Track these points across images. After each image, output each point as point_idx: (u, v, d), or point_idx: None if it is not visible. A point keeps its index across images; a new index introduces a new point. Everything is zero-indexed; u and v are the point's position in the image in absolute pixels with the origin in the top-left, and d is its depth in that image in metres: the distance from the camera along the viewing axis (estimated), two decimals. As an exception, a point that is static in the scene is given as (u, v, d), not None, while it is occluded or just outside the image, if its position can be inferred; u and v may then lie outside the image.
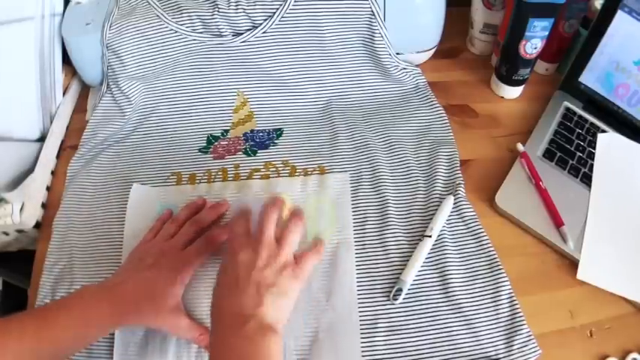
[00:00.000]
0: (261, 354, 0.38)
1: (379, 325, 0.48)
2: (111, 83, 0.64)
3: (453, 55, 0.73)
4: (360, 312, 0.49)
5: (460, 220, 0.54)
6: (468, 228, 0.54)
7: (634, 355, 0.48)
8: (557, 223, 0.54)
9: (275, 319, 0.40)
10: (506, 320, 0.48)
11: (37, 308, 0.46)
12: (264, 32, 0.61)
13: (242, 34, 0.61)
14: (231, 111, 0.64)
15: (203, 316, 0.49)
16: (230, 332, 0.39)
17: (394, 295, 0.49)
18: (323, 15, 0.60)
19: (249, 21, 0.61)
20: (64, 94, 0.66)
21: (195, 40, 0.62)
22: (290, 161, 0.60)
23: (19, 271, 0.65)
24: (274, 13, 0.60)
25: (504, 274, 0.50)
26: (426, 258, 0.51)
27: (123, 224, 0.55)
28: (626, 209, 0.56)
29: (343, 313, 0.49)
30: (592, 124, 0.63)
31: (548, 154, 0.60)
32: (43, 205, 0.58)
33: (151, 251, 0.47)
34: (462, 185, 0.56)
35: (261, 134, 0.62)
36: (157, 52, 0.62)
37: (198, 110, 0.64)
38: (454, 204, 0.54)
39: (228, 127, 0.63)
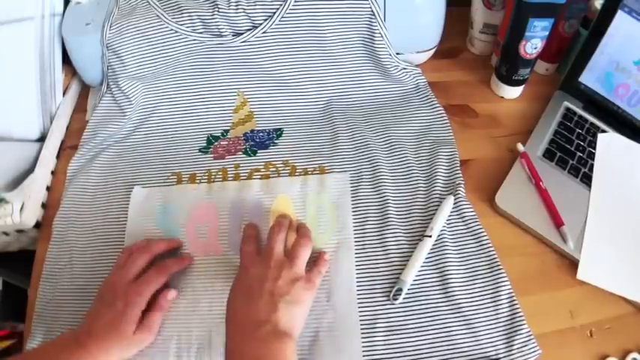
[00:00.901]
0: (276, 356, 0.39)
1: (379, 325, 0.48)
2: (111, 83, 0.64)
3: (453, 55, 0.73)
4: (360, 312, 0.49)
5: (460, 220, 0.54)
6: (468, 228, 0.54)
7: (634, 355, 0.48)
8: (557, 223, 0.54)
9: (289, 326, 0.42)
10: (506, 320, 0.48)
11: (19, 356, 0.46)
12: (264, 32, 0.61)
13: (242, 34, 0.61)
14: (231, 111, 0.64)
15: (204, 314, 0.49)
16: (246, 336, 0.40)
17: (394, 295, 0.49)
18: (323, 15, 0.60)
19: (249, 21, 0.61)
20: (64, 94, 0.66)
21: (195, 40, 0.62)
22: (290, 161, 0.60)
23: (19, 271, 0.65)
24: (274, 13, 0.60)
25: (504, 274, 0.50)
26: (426, 258, 0.51)
27: (122, 224, 0.55)
28: (626, 209, 0.56)
29: (343, 313, 0.49)
30: (592, 124, 0.63)
31: (548, 154, 0.60)
32: (43, 205, 0.58)
33: (107, 288, 0.48)
34: (462, 185, 0.56)
35: (261, 134, 0.62)
36: (157, 52, 0.62)
37: (198, 110, 0.64)
38: (454, 204, 0.54)
39: (228, 127, 0.63)
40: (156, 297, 0.48)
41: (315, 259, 0.50)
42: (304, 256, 0.48)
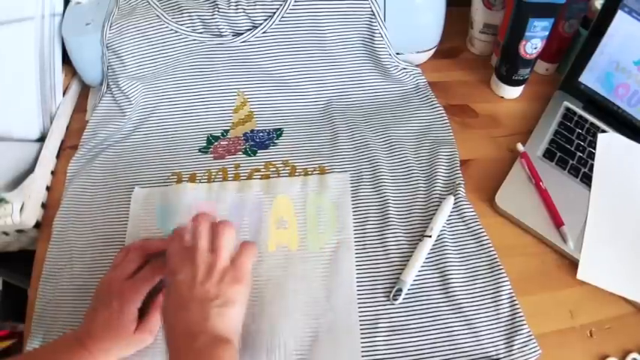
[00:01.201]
0: None
1: (379, 325, 0.48)
2: (111, 83, 0.64)
3: (453, 55, 0.73)
4: (360, 312, 0.49)
5: (460, 220, 0.54)
6: (468, 228, 0.54)
7: (634, 355, 0.48)
8: (557, 223, 0.54)
9: (227, 330, 0.40)
10: (507, 320, 0.48)
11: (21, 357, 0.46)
12: (264, 32, 0.61)
13: (242, 34, 0.61)
14: (231, 111, 0.64)
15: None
16: (183, 350, 0.38)
17: (394, 295, 0.49)
18: (323, 15, 0.60)
19: (249, 21, 0.61)
20: (64, 94, 0.66)
21: (195, 40, 0.62)
22: (290, 161, 0.60)
23: (19, 271, 0.65)
24: (274, 13, 0.60)
25: (504, 274, 0.50)
26: (426, 258, 0.51)
27: (123, 224, 0.55)
28: (626, 209, 0.56)
29: (343, 313, 0.49)
30: (592, 124, 0.63)
31: (548, 154, 0.60)
32: (43, 205, 0.58)
33: (104, 287, 0.47)
34: (462, 185, 0.56)
35: (261, 134, 0.62)
36: (157, 52, 0.62)
37: (198, 110, 0.64)
38: (454, 204, 0.54)
39: (228, 127, 0.63)
40: (154, 297, 0.48)
41: (237, 247, 0.45)
42: (228, 244, 0.44)
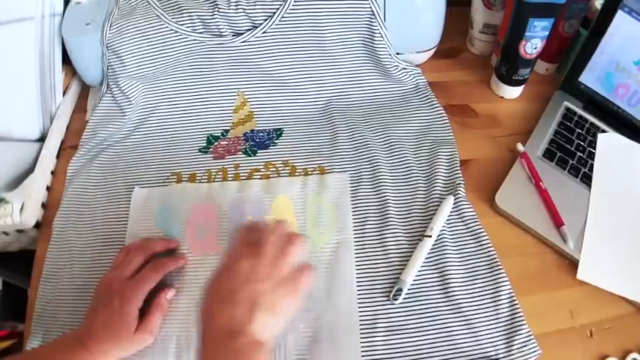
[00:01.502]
0: None
1: (379, 325, 0.48)
2: (111, 83, 0.64)
3: (453, 55, 0.73)
4: (359, 312, 0.49)
5: (460, 220, 0.54)
6: (468, 228, 0.54)
7: (634, 355, 0.48)
8: (557, 223, 0.54)
9: (265, 336, 0.39)
10: (506, 320, 0.48)
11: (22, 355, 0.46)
12: (264, 32, 0.61)
13: (242, 34, 0.61)
14: (231, 111, 0.64)
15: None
16: (220, 345, 0.38)
17: (394, 295, 0.49)
18: (323, 15, 0.60)
19: (249, 21, 0.61)
20: (64, 94, 0.66)
21: (195, 40, 0.62)
22: (290, 161, 0.60)
23: (19, 271, 0.65)
24: (274, 13, 0.60)
25: (504, 274, 0.50)
26: (426, 258, 0.51)
27: (123, 224, 0.55)
28: (626, 209, 0.56)
29: (343, 313, 0.49)
30: (592, 124, 0.63)
31: (548, 154, 0.60)
32: (43, 205, 0.58)
33: (104, 287, 0.47)
34: (462, 185, 0.56)
35: (261, 134, 0.62)
36: (157, 52, 0.62)
37: (198, 110, 0.64)
38: (454, 204, 0.54)
39: (228, 127, 0.63)
40: (154, 297, 0.48)
41: (300, 267, 0.44)
42: (295, 255, 0.43)
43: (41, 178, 0.58)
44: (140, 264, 0.49)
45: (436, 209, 0.54)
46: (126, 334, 0.45)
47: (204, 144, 0.62)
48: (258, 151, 0.61)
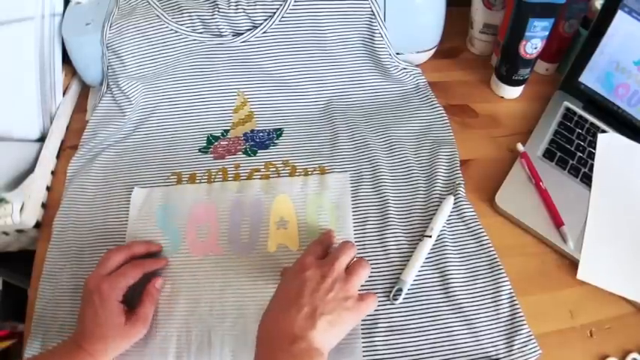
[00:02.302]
0: None
1: (379, 325, 0.48)
2: (111, 83, 0.64)
3: (453, 55, 0.73)
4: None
5: (460, 220, 0.54)
6: (468, 228, 0.54)
7: (634, 355, 0.48)
8: (557, 223, 0.54)
9: (323, 345, 0.40)
10: (507, 320, 0.48)
11: None
12: (264, 32, 0.61)
13: (242, 34, 0.61)
14: (231, 111, 0.64)
15: (203, 314, 0.49)
16: (279, 348, 0.39)
17: (394, 295, 0.49)
18: (323, 15, 0.60)
19: (249, 21, 0.61)
20: (64, 94, 0.66)
21: (195, 40, 0.62)
22: (290, 161, 0.60)
23: (19, 271, 0.66)
24: (274, 13, 0.60)
25: (504, 274, 0.50)
26: (426, 258, 0.51)
27: (123, 224, 0.55)
28: (626, 209, 0.56)
29: (343, 313, 0.49)
30: (592, 124, 0.63)
31: (548, 154, 0.60)
32: (43, 205, 0.58)
33: (85, 287, 0.48)
34: (462, 185, 0.56)
35: (261, 134, 0.62)
36: (158, 52, 0.62)
37: (198, 110, 0.64)
38: (454, 204, 0.54)
39: (228, 127, 0.63)
40: (145, 288, 0.49)
41: (366, 293, 0.46)
42: (363, 277, 0.45)
43: (41, 178, 0.58)
44: (119, 263, 0.49)
45: (436, 209, 0.54)
46: (116, 328, 0.45)
47: (205, 144, 0.62)
48: (259, 151, 0.61)
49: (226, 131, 0.63)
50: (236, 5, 0.60)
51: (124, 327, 0.45)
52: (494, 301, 0.49)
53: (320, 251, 0.48)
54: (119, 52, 0.62)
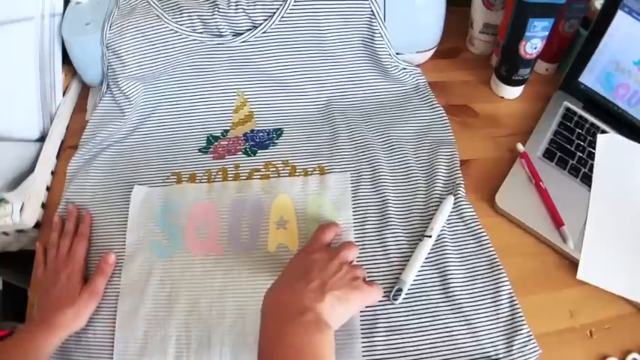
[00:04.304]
0: (315, 345, 0.39)
1: (379, 325, 0.48)
2: (111, 83, 0.64)
3: (453, 55, 0.73)
4: (360, 312, 0.49)
5: (460, 220, 0.54)
6: (468, 228, 0.54)
7: (634, 355, 0.48)
8: (557, 223, 0.54)
9: (330, 319, 0.41)
10: (507, 320, 0.48)
11: None
12: (264, 32, 0.61)
13: (242, 34, 0.61)
14: (231, 111, 0.64)
15: (203, 314, 0.49)
16: (288, 320, 0.40)
17: (394, 295, 0.49)
18: (323, 15, 0.60)
19: (249, 21, 0.61)
20: (64, 94, 0.66)
21: (195, 40, 0.62)
22: (290, 161, 0.60)
23: (19, 271, 0.65)
24: (274, 13, 0.60)
25: (504, 274, 0.50)
26: (426, 258, 0.51)
27: (122, 224, 0.55)
28: (626, 209, 0.56)
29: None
30: (592, 124, 0.63)
31: (548, 154, 0.60)
32: (43, 205, 0.58)
33: (47, 273, 0.52)
34: (462, 185, 0.56)
35: (261, 134, 0.62)
36: (157, 52, 0.62)
37: (198, 110, 0.64)
38: (454, 204, 0.54)
39: (228, 127, 0.63)
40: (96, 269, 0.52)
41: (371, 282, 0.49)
42: (364, 272, 0.48)
43: (41, 178, 0.58)
44: (67, 247, 0.53)
45: (436, 209, 0.54)
46: (70, 299, 0.48)
47: (205, 144, 0.62)
48: (258, 151, 0.61)
49: (226, 131, 0.63)
50: (236, 5, 0.60)
51: (77, 297, 0.48)
52: (494, 301, 0.49)
53: (327, 238, 0.49)
54: (119, 52, 0.62)
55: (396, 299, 0.49)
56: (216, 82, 0.64)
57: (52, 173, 0.61)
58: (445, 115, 0.63)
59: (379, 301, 0.49)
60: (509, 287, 0.50)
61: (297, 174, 0.58)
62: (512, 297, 0.49)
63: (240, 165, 0.60)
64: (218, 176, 0.59)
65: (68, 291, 0.49)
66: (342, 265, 0.45)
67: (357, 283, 0.45)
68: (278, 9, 0.60)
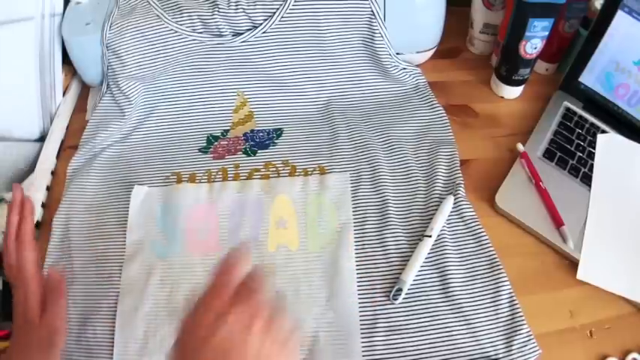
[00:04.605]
0: None
1: (379, 325, 0.48)
2: (111, 83, 0.64)
3: (453, 55, 0.73)
4: (360, 312, 0.49)
5: (460, 220, 0.54)
6: (468, 228, 0.54)
7: (634, 355, 0.48)
8: (557, 223, 0.54)
9: None
10: (506, 320, 0.48)
11: None
12: (264, 32, 0.61)
13: (242, 34, 0.61)
14: (231, 111, 0.64)
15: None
16: None
17: (394, 295, 0.49)
18: (323, 15, 0.60)
19: (249, 21, 0.61)
20: (64, 94, 0.66)
21: (195, 40, 0.62)
22: (290, 161, 0.60)
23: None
24: (274, 13, 0.60)
25: (504, 274, 0.50)
26: (426, 258, 0.51)
27: (122, 224, 0.55)
28: (626, 209, 0.56)
29: (343, 313, 0.49)
30: (592, 124, 0.63)
31: (548, 154, 0.60)
32: (43, 205, 0.58)
33: (19, 324, 0.45)
34: (462, 185, 0.56)
35: (261, 134, 0.62)
36: (157, 52, 0.62)
37: (198, 110, 0.64)
38: (454, 204, 0.54)
39: (228, 127, 0.63)
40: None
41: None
42: (287, 323, 0.35)
43: (41, 178, 0.58)
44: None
45: (436, 209, 0.54)
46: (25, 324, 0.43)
47: (204, 144, 0.62)
48: (258, 151, 0.61)
49: (226, 131, 0.63)
50: (236, 5, 0.60)
51: (39, 322, 0.44)
52: (494, 301, 0.49)
53: (233, 281, 0.34)
54: (119, 52, 0.62)
55: (395, 299, 0.49)
56: (216, 82, 0.64)
57: (52, 173, 0.61)
58: (445, 115, 0.63)
59: (379, 301, 0.49)
60: (509, 287, 0.50)
61: (297, 174, 0.58)
62: (512, 297, 0.49)
63: (240, 165, 0.60)
64: (218, 176, 0.59)
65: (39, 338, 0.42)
66: (270, 326, 0.33)
67: (284, 342, 0.33)
68: (278, 9, 0.60)
